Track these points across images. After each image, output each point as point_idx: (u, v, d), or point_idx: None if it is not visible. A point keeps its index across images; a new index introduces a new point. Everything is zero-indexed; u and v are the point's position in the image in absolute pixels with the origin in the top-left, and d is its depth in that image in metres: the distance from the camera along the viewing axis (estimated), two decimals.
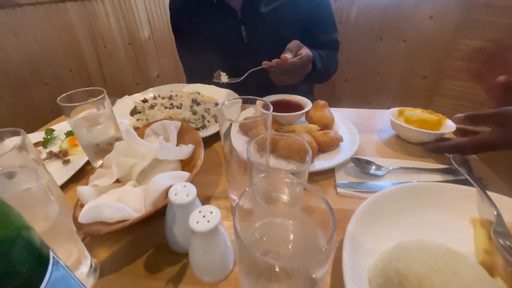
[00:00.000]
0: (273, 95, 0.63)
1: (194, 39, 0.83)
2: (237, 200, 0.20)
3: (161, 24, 1.41)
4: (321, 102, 0.55)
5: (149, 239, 0.35)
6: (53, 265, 0.18)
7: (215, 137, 0.55)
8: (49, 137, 0.54)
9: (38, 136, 0.57)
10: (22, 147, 0.29)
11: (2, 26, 0.99)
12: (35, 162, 0.32)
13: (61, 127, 0.60)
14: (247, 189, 0.21)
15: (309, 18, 0.77)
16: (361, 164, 0.45)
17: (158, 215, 0.32)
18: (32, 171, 0.26)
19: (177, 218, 0.30)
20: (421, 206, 0.35)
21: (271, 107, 0.33)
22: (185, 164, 0.44)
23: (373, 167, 0.45)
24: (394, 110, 0.54)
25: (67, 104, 0.41)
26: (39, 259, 0.18)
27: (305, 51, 0.61)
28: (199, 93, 0.71)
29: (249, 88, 0.72)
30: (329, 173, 0.45)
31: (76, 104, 0.42)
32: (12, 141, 0.33)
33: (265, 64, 0.61)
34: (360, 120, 0.61)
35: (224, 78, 0.64)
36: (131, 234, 0.36)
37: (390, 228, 0.33)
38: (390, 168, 0.45)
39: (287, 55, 0.58)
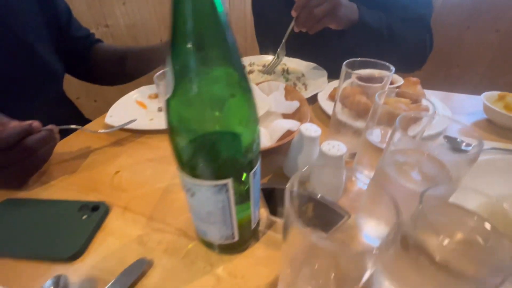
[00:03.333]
0: (359, 70, 0.66)
1: (273, 29, 0.86)
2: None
3: (238, 0, 1.49)
4: (413, 79, 0.58)
5: (268, 167, 0.44)
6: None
7: None
8: None
9: (151, 88, 0.69)
10: None
11: None
12: None
13: None
14: None
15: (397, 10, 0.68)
16: (452, 141, 0.47)
17: (275, 151, 0.41)
18: None
19: (304, 148, 0.38)
20: None
21: (392, 69, 0.38)
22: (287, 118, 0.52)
23: (464, 143, 0.47)
24: (492, 94, 0.54)
25: None
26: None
27: None
28: (285, 65, 0.77)
29: (326, 61, 0.75)
30: None
31: None
32: None
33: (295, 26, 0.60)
34: (448, 102, 0.62)
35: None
36: None
37: None
38: (484, 148, 0.46)
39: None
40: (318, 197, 0.28)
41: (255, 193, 0.27)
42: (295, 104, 0.49)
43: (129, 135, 0.54)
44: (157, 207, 0.38)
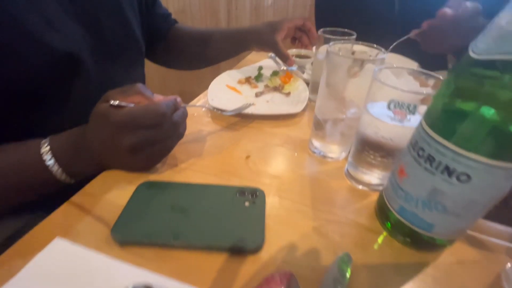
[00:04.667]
0: None
1: (337, 9, 0.83)
2: None
3: None
4: None
5: None
6: None
7: None
8: (261, 72, 0.63)
9: (241, 72, 0.65)
10: None
11: None
12: None
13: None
14: None
15: None
16: None
17: None
18: None
19: None
20: None
21: None
22: None
23: None
24: None
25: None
26: None
27: (470, 4, 0.50)
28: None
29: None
30: None
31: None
32: None
33: (414, 33, 0.54)
34: None
35: None
36: None
37: None
38: None
39: (446, 10, 0.49)
40: None
41: None
42: (428, 91, 0.46)
43: (237, 120, 0.50)
44: (314, 196, 0.35)
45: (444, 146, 0.21)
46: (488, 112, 0.19)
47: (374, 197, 0.35)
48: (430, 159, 0.22)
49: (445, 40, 0.53)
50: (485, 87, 0.18)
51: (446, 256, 0.28)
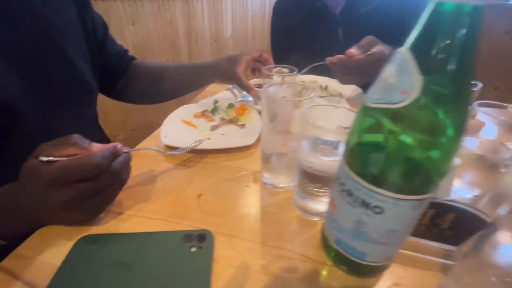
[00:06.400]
0: None
1: (290, 39, 0.91)
2: None
3: (242, 24, 1.54)
4: None
5: None
6: None
7: None
8: (217, 105, 0.64)
9: (195, 107, 0.66)
10: None
11: (124, 15, 1.13)
12: None
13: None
14: None
15: (413, 15, 0.76)
16: None
17: None
18: None
19: None
20: None
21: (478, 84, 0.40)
22: None
23: None
24: None
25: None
26: None
27: (379, 48, 0.54)
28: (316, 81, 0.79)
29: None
30: None
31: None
32: None
33: (328, 60, 0.57)
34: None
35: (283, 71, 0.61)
36: None
37: None
38: None
39: (353, 51, 0.52)
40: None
41: None
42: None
43: (192, 155, 0.50)
44: (264, 231, 0.35)
45: (357, 182, 0.23)
46: (389, 151, 0.21)
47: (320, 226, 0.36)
48: (350, 193, 0.24)
49: (348, 76, 0.57)
50: (381, 129, 0.21)
51: (386, 280, 0.29)
